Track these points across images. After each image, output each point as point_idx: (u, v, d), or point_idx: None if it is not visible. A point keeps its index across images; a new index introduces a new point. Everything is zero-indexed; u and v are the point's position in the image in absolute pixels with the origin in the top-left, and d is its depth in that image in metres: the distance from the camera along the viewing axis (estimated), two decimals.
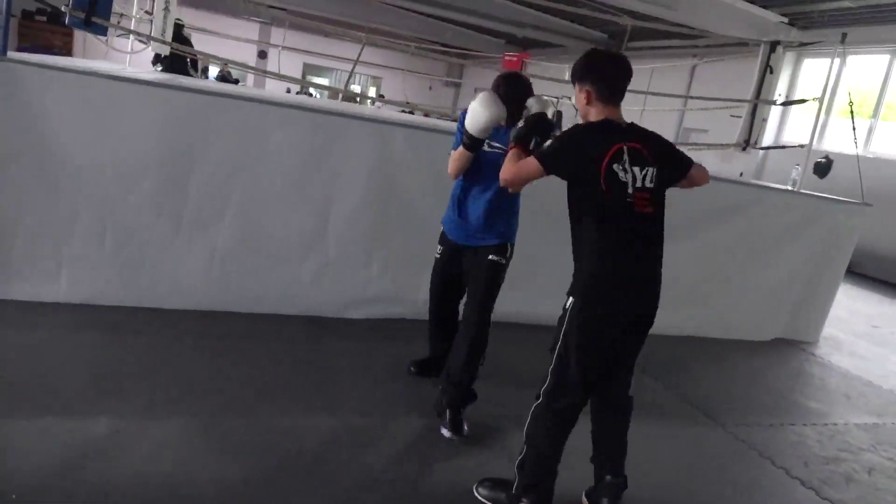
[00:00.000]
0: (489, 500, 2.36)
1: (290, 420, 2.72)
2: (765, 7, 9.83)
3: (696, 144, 8.37)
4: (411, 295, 4.08)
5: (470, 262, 2.96)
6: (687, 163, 2.31)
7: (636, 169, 2.12)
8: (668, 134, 13.37)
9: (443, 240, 3.14)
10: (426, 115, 14.17)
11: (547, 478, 2.29)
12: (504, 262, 2.90)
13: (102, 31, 3.97)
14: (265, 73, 14.01)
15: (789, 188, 5.42)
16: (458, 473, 2.53)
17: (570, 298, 2.20)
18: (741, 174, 10.73)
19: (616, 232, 2.15)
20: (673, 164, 2.26)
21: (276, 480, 2.30)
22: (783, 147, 7.46)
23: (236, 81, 14.10)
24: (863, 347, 5.54)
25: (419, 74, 18.66)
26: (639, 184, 2.12)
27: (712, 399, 3.78)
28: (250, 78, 17.66)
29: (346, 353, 3.51)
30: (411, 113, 13.65)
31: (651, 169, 2.14)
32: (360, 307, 3.96)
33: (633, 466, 2.78)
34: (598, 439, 2.43)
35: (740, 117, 6.99)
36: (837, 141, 10.84)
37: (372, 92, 22.76)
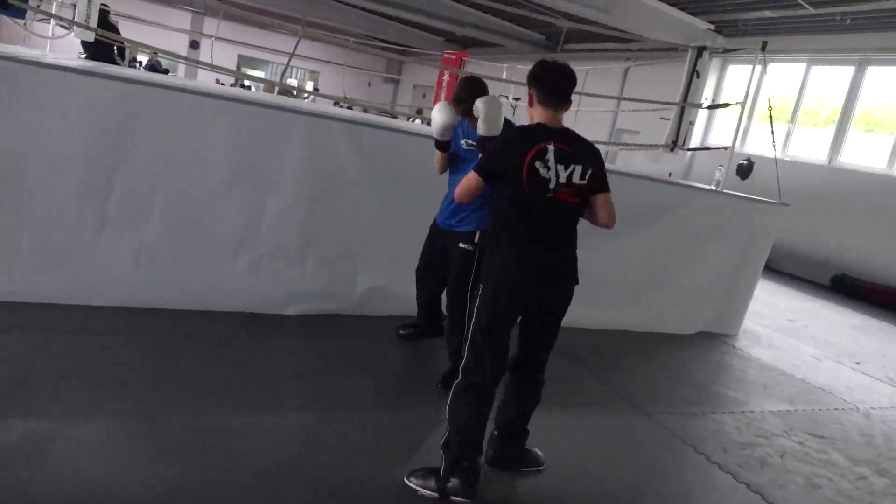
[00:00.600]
0: (420, 487, 2.41)
1: (229, 419, 2.67)
2: (693, 14, 10.25)
3: (626, 145, 8.66)
4: (347, 290, 4.08)
5: (448, 246, 3.29)
6: (605, 187, 2.44)
7: (560, 167, 2.29)
8: (602, 134, 13.77)
9: (433, 222, 3.49)
10: (365, 110, 14.09)
11: (471, 453, 2.39)
12: (472, 248, 3.14)
13: (20, 14, 3.77)
14: (198, 63, 13.57)
15: (713, 188, 5.66)
16: (404, 466, 2.55)
17: (481, 285, 2.42)
18: (670, 174, 11.15)
19: (532, 226, 2.35)
20: (601, 172, 2.41)
21: (215, 482, 2.25)
22: (708, 149, 7.80)
23: (166, 71, 13.62)
24: (779, 340, 5.87)
25: (358, 70, 18.50)
26: (563, 180, 2.31)
27: (640, 390, 3.94)
28: (181, 69, 17.09)
29: (283, 350, 3.47)
30: (349, 108, 13.52)
31: (579, 167, 2.33)
32: (295, 303, 3.92)
33: (564, 456, 2.88)
34: (503, 403, 2.65)
35: (669, 119, 7.27)
36: (759, 144, 11.40)
37: (309, 86, 22.40)
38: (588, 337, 4.70)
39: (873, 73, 10.21)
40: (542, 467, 2.72)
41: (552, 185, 2.29)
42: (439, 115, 2.99)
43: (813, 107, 11.97)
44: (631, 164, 12.32)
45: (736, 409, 3.90)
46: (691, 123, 11.78)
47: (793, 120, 11.16)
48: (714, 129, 12.39)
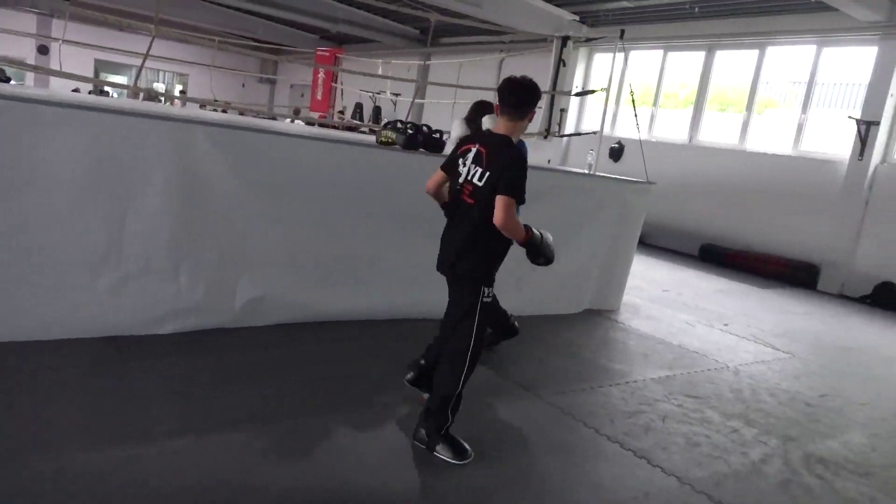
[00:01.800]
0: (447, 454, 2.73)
1: (95, 455, 2.45)
2: (559, 6, 10.64)
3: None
4: (227, 303, 3.88)
5: None
6: (503, 188, 2.57)
7: (472, 166, 2.65)
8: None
9: None
10: (241, 113, 13.54)
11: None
12: None
13: None
14: (48, 71, 12.50)
15: (586, 172, 5.91)
16: (283, 481, 2.45)
17: None
18: (549, 161, 11.58)
19: (449, 208, 2.82)
20: (499, 175, 2.58)
21: None
22: (579, 134, 8.13)
23: (7, 80, 12.39)
24: (656, 310, 6.24)
25: (230, 71, 17.76)
26: (469, 177, 2.65)
27: (532, 373, 4.03)
28: (30, 77, 15.66)
29: (152, 372, 3.24)
30: (223, 111, 12.94)
31: (483, 171, 2.61)
32: (168, 321, 3.68)
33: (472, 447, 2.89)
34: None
35: (541, 108, 7.49)
36: (628, 128, 12.06)
37: (178, 90, 21.26)
38: None
39: (722, 56, 11.07)
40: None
41: (460, 180, 2.69)
42: (454, 131, 3.53)
43: (673, 90, 12.81)
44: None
45: (621, 380, 4.09)
46: (564, 111, 12.25)
47: (655, 103, 11.88)
48: (586, 116, 12.96)
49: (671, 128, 11.79)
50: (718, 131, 11.22)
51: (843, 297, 8.91)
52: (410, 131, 4.55)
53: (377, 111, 13.99)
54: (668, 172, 11.15)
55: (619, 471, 2.94)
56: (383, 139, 4.63)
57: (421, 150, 4.64)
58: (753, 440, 3.46)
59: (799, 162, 9.78)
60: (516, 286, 5.17)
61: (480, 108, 3.91)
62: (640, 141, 6.07)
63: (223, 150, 3.74)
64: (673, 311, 6.30)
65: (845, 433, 3.77)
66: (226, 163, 3.74)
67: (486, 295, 2.76)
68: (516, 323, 4.40)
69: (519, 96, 2.65)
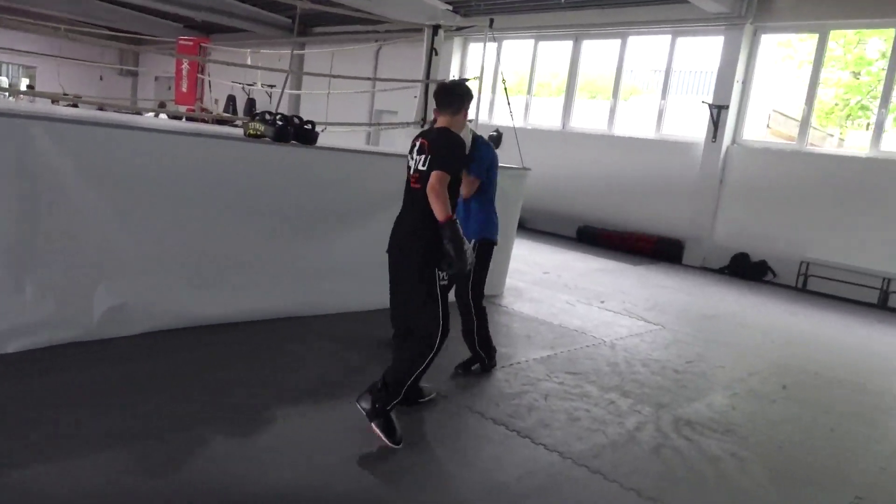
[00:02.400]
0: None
1: None
2: None
3: (381, 124, 8.70)
4: (83, 314, 3.55)
5: None
6: (436, 163, 2.82)
7: (418, 157, 2.91)
8: (362, 115, 13.85)
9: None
10: (100, 108, 12.51)
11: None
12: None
13: None
14: None
15: None
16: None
17: None
18: None
19: (404, 199, 3.05)
20: (436, 155, 2.84)
21: None
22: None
23: None
24: (538, 292, 6.43)
25: (85, 63, 16.36)
26: (417, 166, 2.90)
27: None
28: None
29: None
30: (75, 106, 11.91)
31: (426, 157, 2.86)
32: (13, 339, 3.31)
33: (351, 442, 2.81)
34: None
35: (417, 98, 7.48)
36: (506, 116, 12.36)
37: (24, 85, 19.36)
38: (362, 320, 4.69)
39: (588, 45, 11.58)
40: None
41: (411, 172, 2.95)
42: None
43: (546, 79, 13.26)
44: (395, 144, 12.59)
45: (505, 362, 4.17)
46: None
47: (529, 91, 12.24)
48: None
49: (545, 115, 12.21)
50: (589, 118, 11.76)
51: (705, 269, 9.64)
52: (280, 123, 4.37)
53: (251, 103, 13.41)
54: (544, 158, 11.54)
55: (505, 452, 2.98)
56: (251, 131, 4.42)
57: (293, 142, 4.48)
58: (629, 410, 3.64)
59: (661, 145, 10.44)
60: None
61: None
62: (515, 129, 6.22)
63: (69, 148, 3.40)
64: (554, 293, 6.52)
65: (709, 395, 4.06)
66: (72, 162, 3.41)
67: (441, 278, 2.90)
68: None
69: (444, 96, 3.06)
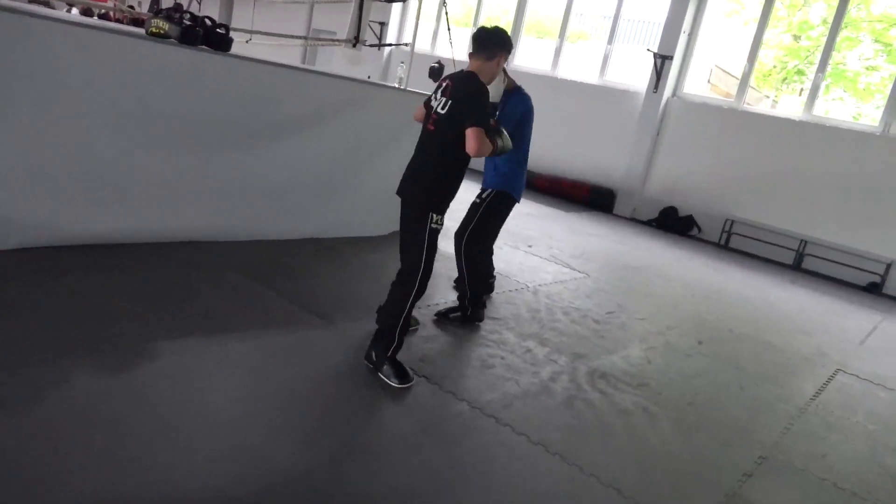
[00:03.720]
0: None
1: None
2: None
3: (314, 40, 8.04)
4: None
5: None
6: (470, 119, 2.72)
7: (443, 99, 2.81)
8: (299, 32, 13.00)
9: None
10: None
11: None
12: (477, 200, 4.10)
13: None
14: None
15: (396, 86, 5.58)
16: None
17: None
18: (369, 77, 11.05)
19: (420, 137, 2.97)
20: (463, 106, 2.75)
21: None
22: (390, 45, 7.73)
23: None
24: None
25: None
26: (437, 108, 2.82)
27: (330, 301, 3.75)
28: None
29: None
30: None
31: (446, 101, 2.78)
32: None
33: (251, 394, 2.54)
34: None
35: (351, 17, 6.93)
36: (449, 48, 11.85)
37: None
38: (275, 250, 4.37)
39: None
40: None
41: (433, 113, 2.85)
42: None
43: (495, 13, 12.75)
44: (332, 67, 11.91)
45: (422, 304, 3.95)
46: (384, 24, 11.69)
47: (475, 24, 11.72)
48: (408, 32, 12.49)
49: None
50: (534, 58, 11.41)
51: (635, 221, 9.69)
52: (188, 22, 3.86)
53: (178, 7, 12.33)
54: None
55: (410, 400, 2.79)
56: (153, 29, 3.89)
57: (203, 46, 3.98)
58: (545, 359, 3.52)
59: (603, 92, 10.26)
60: (320, 205, 4.83)
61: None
62: (454, 61, 5.84)
63: None
64: None
65: (626, 348, 4.00)
66: None
67: (434, 221, 2.88)
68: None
69: (479, 40, 2.91)
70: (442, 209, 2.92)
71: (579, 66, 10.94)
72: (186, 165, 3.99)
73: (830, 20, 8.74)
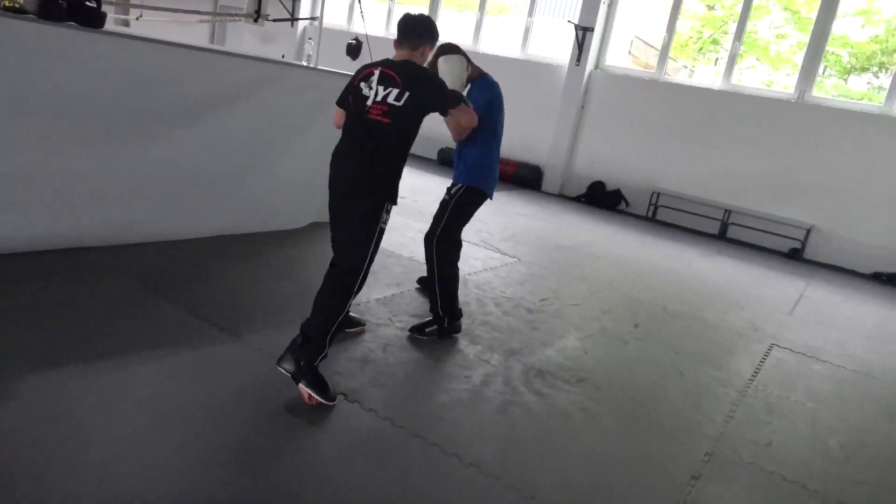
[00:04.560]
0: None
1: None
2: None
3: (209, 15, 7.31)
4: None
5: None
6: (450, 101, 2.76)
7: (381, 88, 2.64)
8: (206, 9, 12.14)
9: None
10: None
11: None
12: (446, 197, 3.64)
13: None
14: None
15: (305, 64, 5.12)
16: None
17: None
18: (283, 56, 10.41)
19: (347, 133, 2.77)
20: (429, 94, 2.68)
21: None
22: (295, 19, 7.21)
23: None
24: (395, 220, 5.86)
25: None
26: (381, 98, 2.63)
27: (235, 304, 3.34)
28: None
29: None
30: None
31: (401, 91, 2.62)
32: None
33: (138, 420, 2.11)
34: None
35: None
36: (367, 22, 11.33)
37: None
38: (177, 251, 3.90)
39: None
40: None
41: (368, 103, 2.66)
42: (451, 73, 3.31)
43: None
44: (242, 46, 11.16)
45: (361, 313, 3.59)
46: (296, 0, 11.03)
47: (391, 0, 11.24)
48: (328, 9, 11.84)
49: None
50: (455, 32, 11.03)
51: (563, 197, 9.58)
52: None
53: None
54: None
55: (327, 420, 2.45)
56: (7, 3, 3.32)
57: (70, 22, 3.44)
58: (476, 359, 3.24)
59: (526, 66, 10.03)
60: (229, 197, 4.36)
61: (442, 50, 3.46)
62: (367, 35, 5.44)
63: None
64: (407, 220, 5.99)
65: (563, 339, 3.77)
66: None
67: (387, 210, 2.75)
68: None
69: (404, 30, 2.80)
70: (396, 198, 2.82)
71: (501, 40, 10.66)
72: (67, 160, 3.47)
73: None
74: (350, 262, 2.70)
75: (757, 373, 3.83)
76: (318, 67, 4.98)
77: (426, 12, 10.96)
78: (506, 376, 3.10)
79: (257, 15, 5.00)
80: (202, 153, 4.05)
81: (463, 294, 4.19)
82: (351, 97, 2.75)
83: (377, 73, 2.68)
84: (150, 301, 3.19)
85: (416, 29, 2.82)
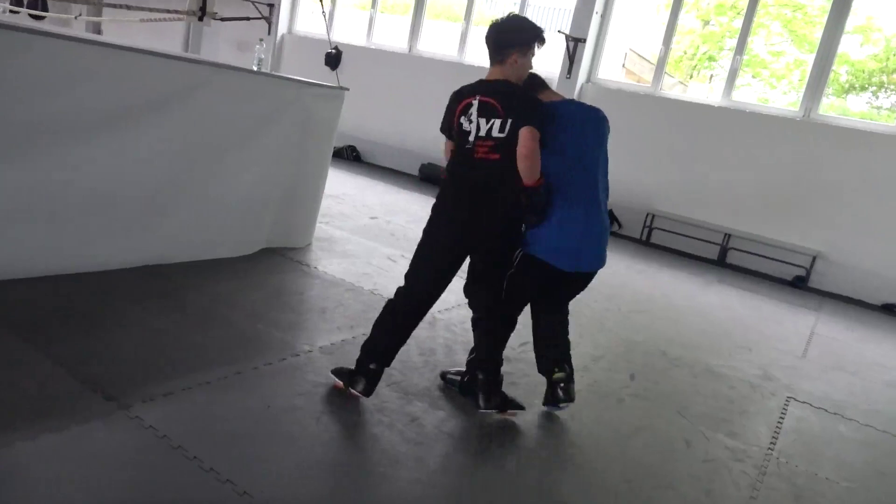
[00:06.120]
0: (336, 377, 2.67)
1: None
2: None
3: (142, 8, 6.53)
4: None
5: None
6: (530, 119, 2.39)
7: (482, 120, 2.43)
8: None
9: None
10: None
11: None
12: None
13: None
14: None
15: (253, 69, 4.51)
16: None
17: None
18: (260, 62, 9.82)
19: (455, 175, 2.59)
20: (525, 113, 2.40)
21: None
22: (246, 19, 6.68)
23: None
24: (356, 244, 5.24)
25: None
26: (484, 133, 2.42)
27: (134, 360, 2.68)
28: None
29: None
30: None
31: (500, 120, 2.40)
32: None
33: None
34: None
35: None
36: (349, 31, 10.81)
37: None
38: (78, 289, 3.25)
39: None
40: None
41: (471, 138, 2.46)
42: None
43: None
44: (217, 55, 10.56)
45: (274, 358, 2.95)
46: (272, 6, 10.46)
47: (374, 6, 10.67)
48: (300, 16, 11.28)
49: (392, 35, 10.76)
50: (440, 42, 10.50)
51: None
52: None
53: None
54: (388, 83, 10.20)
55: None
56: None
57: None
58: (435, 433, 2.59)
59: None
60: (148, 226, 3.71)
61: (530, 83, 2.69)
62: (330, 40, 4.84)
63: None
64: (376, 244, 5.37)
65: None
66: None
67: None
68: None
69: (488, 44, 2.54)
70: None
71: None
72: None
73: (740, 5, 8.28)
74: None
75: (776, 439, 3.20)
76: (268, 72, 4.37)
77: (409, 21, 10.43)
78: (464, 458, 2.46)
79: (202, 13, 4.40)
80: (112, 172, 3.37)
81: (428, 337, 3.56)
82: (455, 133, 2.54)
83: (476, 102, 2.45)
84: (19, 355, 2.53)
85: (498, 40, 2.52)
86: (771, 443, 3.15)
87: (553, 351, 2.87)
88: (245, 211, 4.25)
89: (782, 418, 3.48)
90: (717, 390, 3.73)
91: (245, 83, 4.01)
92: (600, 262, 2.83)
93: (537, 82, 2.75)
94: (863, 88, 12.81)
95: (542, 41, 2.57)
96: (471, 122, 2.46)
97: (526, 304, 2.91)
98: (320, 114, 4.54)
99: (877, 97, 12.90)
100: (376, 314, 3.64)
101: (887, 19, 10.57)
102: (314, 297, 3.89)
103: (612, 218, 8.67)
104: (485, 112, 2.43)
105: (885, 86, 12.42)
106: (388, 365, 2.71)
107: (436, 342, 3.54)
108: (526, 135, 2.38)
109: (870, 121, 8.31)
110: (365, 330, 3.43)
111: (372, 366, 2.62)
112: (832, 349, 5.13)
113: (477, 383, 2.74)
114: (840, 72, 11.69)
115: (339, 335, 3.36)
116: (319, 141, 4.66)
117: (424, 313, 2.74)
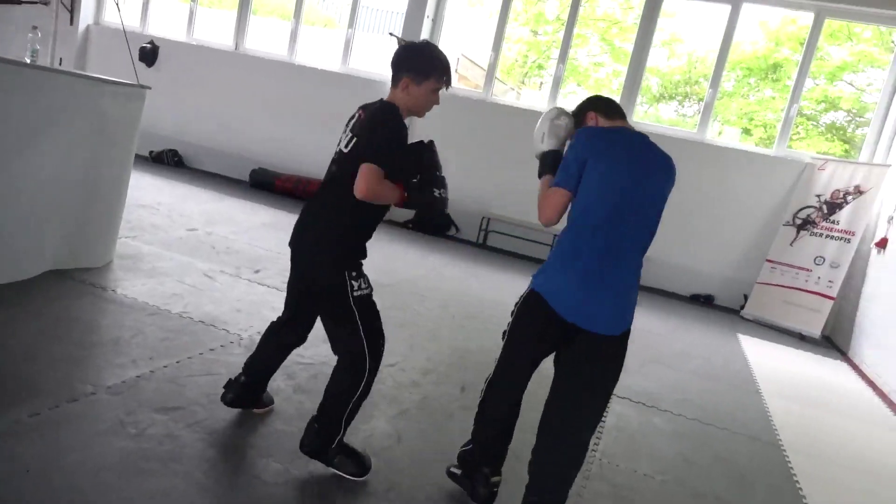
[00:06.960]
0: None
1: None
2: None
3: None
4: None
5: None
6: (364, 152, 2.19)
7: (349, 134, 2.33)
8: None
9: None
10: None
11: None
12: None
13: None
14: None
15: (26, 62, 3.88)
16: None
17: None
18: (60, 61, 8.68)
19: None
20: (360, 144, 2.25)
21: None
22: (19, 2, 5.93)
23: None
24: (167, 260, 4.71)
25: None
26: (342, 147, 2.34)
27: None
28: None
29: None
30: None
31: (352, 136, 2.30)
32: None
33: None
34: None
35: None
36: (169, 25, 9.96)
37: None
38: None
39: None
40: None
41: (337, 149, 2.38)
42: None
43: None
44: (8, 51, 9.20)
45: (44, 406, 2.47)
46: None
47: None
48: (109, 4, 10.18)
49: (216, 31, 10.07)
50: (270, 41, 9.99)
51: (391, 223, 8.87)
52: None
53: None
54: (213, 82, 9.53)
55: None
56: None
57: None
58: (304, 483, 2.30)
59: (348, 80, 9.24)
60: None
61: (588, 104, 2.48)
62: (125, 31, 4.30)
63: None
64: (192, 259, 4.88)
65: (371, 420, 2.94)
66: None
67: (353, 278, 2.29)
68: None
69: (392, 64, 2.35)
70: (359, 265, 2.36)
71: (322, 53, 9.79)
72: None
73: (564, 17, 8.71)
74: (349, 348, 2.40)
75: (599, 439, 3.27)
76: (49, 67, 3.78)
77: (234, 17, 9.80)
78: (285, 498, 2.20)
79: None
80: None
81: (237, 358, 3.22)
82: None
83: (356, 115, 2.38)
84: None
85: (394, 61, 2.36)
86: (595, 444, 3.20)
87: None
88: (25, 227, 3.63)
89: (605, 417, 3.58)
90: (541, 399, 3.76)
91: (17, 79, 3.39)
92: (618, 323, 2.24)
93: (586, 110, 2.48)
94: (671, 97, 14.16)
95: (447, 80, 2.34)
96: (345, 133, 2.37)
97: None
98: (118, 114, 4.01)
99: (682, 105, 14.33)
100: (181, 344, 3.28)
101: (689, 35, 11.70)
102: (106, 327, 3.39)
103: (450, 222, 8.73)
104: (354, 127, 2.35)
105: (689, 96, 13.81)
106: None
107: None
108: (361, 174, 2.14)
109: (678, 128, 9.10)
110: (165, 362, 3.07)
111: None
112: (648, 342, 5.47)
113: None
114: (652, 83, 12.81)
115: (133, 370, 2.92)
116: (118, 145, 4.12)
117: None
